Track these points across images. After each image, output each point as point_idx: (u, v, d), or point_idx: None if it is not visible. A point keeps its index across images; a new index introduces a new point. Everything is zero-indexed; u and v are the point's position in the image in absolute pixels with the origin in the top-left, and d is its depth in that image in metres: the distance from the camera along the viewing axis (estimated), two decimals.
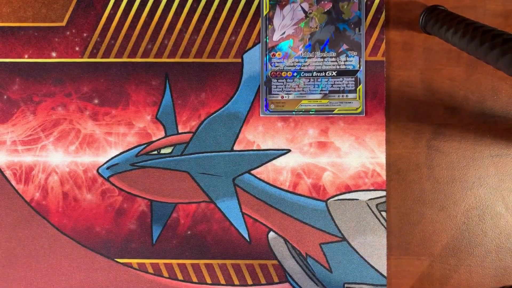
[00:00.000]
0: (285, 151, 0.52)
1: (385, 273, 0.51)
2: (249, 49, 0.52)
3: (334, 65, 0.52)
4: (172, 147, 0.52)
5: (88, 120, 0.52)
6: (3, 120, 0.52)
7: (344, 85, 0.52)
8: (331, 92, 0.52)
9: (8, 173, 0.52)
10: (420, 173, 0.52)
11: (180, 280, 0.51)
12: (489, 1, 0.52)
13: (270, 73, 0.52)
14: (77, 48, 0.53)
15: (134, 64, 0.53)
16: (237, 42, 0.52)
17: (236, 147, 0.52)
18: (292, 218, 0.51)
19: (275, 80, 0.52)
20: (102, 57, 0.53)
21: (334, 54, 0.52)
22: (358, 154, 0.51)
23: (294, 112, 0.52)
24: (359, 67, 0.52)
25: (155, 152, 0.52)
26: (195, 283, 0.51)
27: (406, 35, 0.52)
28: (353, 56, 0.52)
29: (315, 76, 0.52)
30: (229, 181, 0.52)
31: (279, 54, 0.52)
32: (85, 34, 0.53)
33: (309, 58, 0.52)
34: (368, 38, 0.52)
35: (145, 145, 0.52)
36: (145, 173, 0.52)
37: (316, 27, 0.52)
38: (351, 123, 0.52)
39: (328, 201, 0.51)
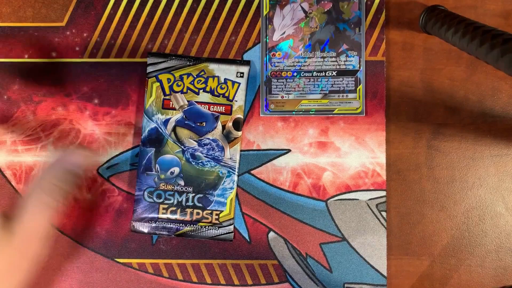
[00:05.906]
0: (285, 151, 0.52)
1: (385, 273, 0.51)
2: (249, 49, 0.52)
3: (334, 65, 0.52)
4: None
5: (88, 120, 0.52)
6: (3, 120, 0.52)
7: (344, 85, 0.52)
8: (331, 92, 0.52)
9: (8, 173, 0.52)
10: (420, 173, 0.52)
11: (180, 280, 0.51)
12: (489, 1, 0.52)
13: (270, 73, 0.52)
14: (77, 48, 0.53)
15: (134, 64, 0.53)
16: (237, 42, 0.52)
17: None
18: (292, 218, 0.51)
19: (275, 80, 0.52)
20: (102, 57, 0.53)
21: (334, 54, 0.52)
22: (358, 154, 0.51)
23: (294, 112, 0.52)
24: (359, 67, 0.52)
25: None
26: (195, 283, 0.51)
27: (406, 35, 0.52)
28: (353, 56, 0.52)
29: (315, 76, 0.52)
30: None
31: (279, 54, 0.52)
32: (85, 34, 0.53)
33: (309, 58, 0.52)
34: (368, 38, 0.52)
35: None
36: None
37: (316, 27, 0.52)
38: (351, 123, 0.52)
39: (328, 201, 0.51)
